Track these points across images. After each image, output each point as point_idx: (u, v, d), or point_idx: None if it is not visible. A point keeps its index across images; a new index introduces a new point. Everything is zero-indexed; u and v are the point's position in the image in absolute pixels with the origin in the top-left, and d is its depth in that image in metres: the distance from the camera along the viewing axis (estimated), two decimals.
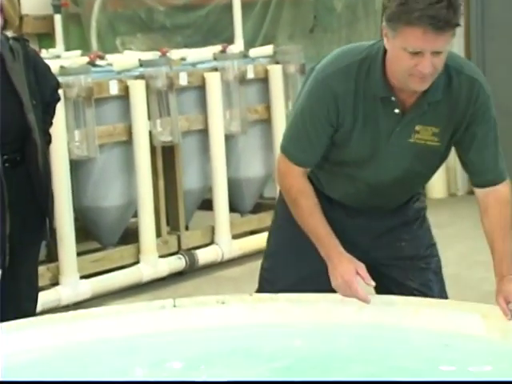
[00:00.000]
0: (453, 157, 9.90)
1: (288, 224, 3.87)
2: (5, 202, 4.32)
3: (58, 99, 4.85)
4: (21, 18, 4.50)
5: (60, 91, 5.00)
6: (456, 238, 8.22)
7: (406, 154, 3.61)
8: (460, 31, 9.67)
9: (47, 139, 4.65)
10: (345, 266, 3.56)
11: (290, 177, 3.68)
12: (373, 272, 3.79)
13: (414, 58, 3.27)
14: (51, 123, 4.71)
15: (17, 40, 4.49)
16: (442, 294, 4.04)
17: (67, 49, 9.50)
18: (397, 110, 3.50)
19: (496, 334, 3.50)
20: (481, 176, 3.64)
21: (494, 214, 3.63)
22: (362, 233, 3.84)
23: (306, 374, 3.38)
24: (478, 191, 3.66)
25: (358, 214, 3.83)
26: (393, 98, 3.49)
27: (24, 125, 4.36)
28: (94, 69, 7.14)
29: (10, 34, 4.44)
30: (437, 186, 9.78)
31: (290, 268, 3.93)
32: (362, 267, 3.59)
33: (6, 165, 4.33)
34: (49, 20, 10.32)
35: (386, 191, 3.74)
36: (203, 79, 7.53)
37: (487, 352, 3.48)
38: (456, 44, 9.75)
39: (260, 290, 4.00)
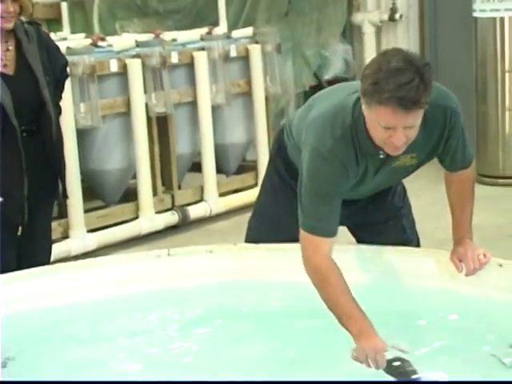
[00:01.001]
0: None
1: (274, 189, 3.87)
2: (23, 166, 4.33)
3: (67, 76, 4.85)
4: (32, 5, 4.46)
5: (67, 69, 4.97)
6: (413, 193, 8.19)
7: (386, 176, 3.52)
8: (415, 16, 9.67)
9: (58, 111, 4.63)
10: (379, 342, 3.07)
11: (318, 255, 3.27)
12: (354, 230, 3.96)
13: (387, 132, 3.10)
14: (61, 97, 4.70)
15: (30, 24, 4.47)
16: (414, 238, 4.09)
17: (73, 32, 9.43)
18: (382, 156, 3.35)
19: (446, 276, 3.55)
20: (451, 166, 3.63)
21: (455, 188, 3.69)
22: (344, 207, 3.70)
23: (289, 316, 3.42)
24: (446, 171, 3.68)
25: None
26: (381, 155, 3.33)
27: (39, 99, 4.36)
28: (96, 49, 7.10)
29: (24, 19, 4.41)
30: None
31: (274, 231, 3.88)
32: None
33: (24, 134, 4.33)
34: (56, 7, 10.25)
35: (367, 194, 3.71)
36: (192, 57, 7.52)
37: (438, 290, 3.52)
38: (412, 28, 9.74)
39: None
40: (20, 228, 4.56)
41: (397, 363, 3.04)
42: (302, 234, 3.32)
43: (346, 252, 3.64)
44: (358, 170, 3.35)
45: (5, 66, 4.28)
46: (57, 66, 4.57)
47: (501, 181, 8.35)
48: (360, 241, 3.97)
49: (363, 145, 3.27)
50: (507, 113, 8.30)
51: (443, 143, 3.47)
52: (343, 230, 3.79)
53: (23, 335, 3.46)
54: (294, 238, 3.40)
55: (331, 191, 3.31)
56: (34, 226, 4.58)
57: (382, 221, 3.93)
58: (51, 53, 4.55)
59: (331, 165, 3.28)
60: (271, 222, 3.89)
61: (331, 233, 3.31)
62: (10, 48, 4.32)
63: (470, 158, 3.66)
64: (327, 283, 3.23)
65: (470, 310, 3.42)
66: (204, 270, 3.79)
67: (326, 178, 3.29)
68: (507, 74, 8.25)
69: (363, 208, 3.84)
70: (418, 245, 4.06)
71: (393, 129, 3.08)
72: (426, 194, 8.15)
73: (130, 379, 3.15)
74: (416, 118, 3.10)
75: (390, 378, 2.94)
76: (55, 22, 10.12)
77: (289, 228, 3.56)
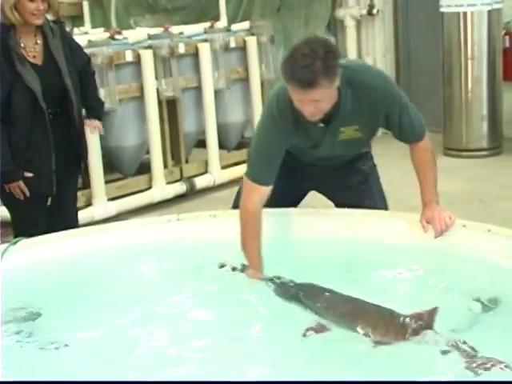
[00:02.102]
0: None
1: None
2: (50, 143, 4.34)
3: (94, 72, 4.82)
4: (58, 3, 4.48)
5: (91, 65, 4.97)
6: (389, 165, 8.21)
7: (337, 146, 3.56)
8: (389, 11, 9.62)
9: (101, 102, 4.78)
10: (255, 274, 3.34)
11: (249, 200, 3.44)
12: (329, 195, 3.96)
13: (299, 103, 3.23)
14: (96, 88, 4.76)
15: (55, 22, 4.47)
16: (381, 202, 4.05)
17: (93, 27, 9.37)
18: (321, 124, 3.42)
19: (417, 235, 3.55)
20: (404, 139, 3.66)
21: (416, 158, 3.68)
22: (317, 171, 3.82)
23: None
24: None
25: (316, 165, 3.79)
26: (319, 124, 3.41)
27: (62, 86, 4.36)
28: (113, 42, 7.07)
29: (50, 17, 4.40)
30: None
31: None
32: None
33: (51, 116, 4.33)
34: (79, 5, 10.20)
35: (332, 160, 3.74)
36: (197, 48, 7.49)
37: (413, 246, 3.52)
38: (387, 22, 9.70)
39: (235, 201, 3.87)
40: (50, 199, 4.56)
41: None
42: (244, 179, 3.51)
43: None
44: (299, 134, 3.45)
45: (34, 57, 4.29)
46: (78, 60, 4.57)
47: (464, 153, 8.36)
48: (336, 205, 3.97)
49: (301, 114, 3.31)
50: (469, 94, 8.31)
51: (382, 119, 3.53)
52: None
53: (57, 285, 3.46)
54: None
55: (269, 149, 3.45)
56: (62, 197, 4.59)
57: (353, 185, 3.92)
58: (73, 48, 4.55)
59: (271, 129, 3.42)
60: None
61: (264, 183, 3.43)
62: (39, 42, 4.32)
63: (419, 132, 3.62)
64: (245, 225, 3.44)
65: (436, 265, 3.42)
66: (208, 232, 3.78)
67: (266, 138, 3.46)
68: (469, 61, 8.24)
69: (336, 170, 3.83)
70: (386, 209, 4.03)
71: (302, 101, 3.20)
72: (399, 166, 8.12)
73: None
74: (317, 95, 3.15)
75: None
76: (78, 19, 10.08)
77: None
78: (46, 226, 4.39)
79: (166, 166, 7.31)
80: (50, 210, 4.59)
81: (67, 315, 3.17)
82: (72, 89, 4.39)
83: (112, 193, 6.92)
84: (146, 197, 7.13)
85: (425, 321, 2.81)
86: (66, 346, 2.93)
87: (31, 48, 4.29)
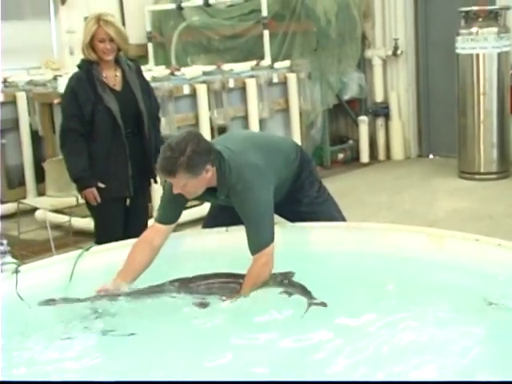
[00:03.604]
0: (407, 131, 9.78)
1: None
2: (127, 154, 4.49)
3: (160, 119, 4.90)
4: (127, 44, 4.60)
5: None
6: (410, 185, 8.19)
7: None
8: (412, 52, 9.57)
9: (159, 122, 4.81)
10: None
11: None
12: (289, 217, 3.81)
13: None
14: (160, 131, 4.81)
15: (131, 60, 4.68)
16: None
17: (156, 65, 9.48)
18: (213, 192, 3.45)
19: (436, 247, 3.50)
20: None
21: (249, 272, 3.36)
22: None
23: None
24: None
25: None
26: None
27: (137, 109, 4.52)
28: (173, 77, 7.14)
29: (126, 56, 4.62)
30: (397, 151, 9.72)
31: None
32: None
33: (129, 135, 4.51)
34: (144, 47, 10.29)
35: None
36: (244, 83, 7.53)
37: (431, 258, 3.48)
38: (410, 61, 9.66)
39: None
40: (128, 200, 4.65)
41: None
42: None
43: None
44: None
45: (114, 85, 4.50)
46: (151, 96, 4.69)
47: (477, 176, 8.30)
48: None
49: None
50: (481, 125, 8.30)
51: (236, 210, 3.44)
52: None
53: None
54: None
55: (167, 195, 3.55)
56: (136, 205, 4.68)
57: (308, 211, 3.82)
58: (145, 81, 4.70)
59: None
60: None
61: (160, 221, 3.61)
62: (118, 74, 4.53)
63: (254, 248, 3.32)
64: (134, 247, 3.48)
65: (452, 276, 3.37)
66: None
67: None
68: (481, 96, 8.26)
69: (287, 202, 3.73)
70: None
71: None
72: (418, 186, 8.10)
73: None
74: (178, 181, 3.25)
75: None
76: (143, 58, 10.19)
77: None
78: (122, 230, 4.50)
79: None
80: (125, 218, 4.65)
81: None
82: (145, 112, 4.53)
83: None
84: (199, 211, 7.12)
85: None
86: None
87: (111, 78, 4.50)
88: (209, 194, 3.48)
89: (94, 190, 4.46)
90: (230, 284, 3.36)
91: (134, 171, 4.52)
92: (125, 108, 4.45)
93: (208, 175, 3.32)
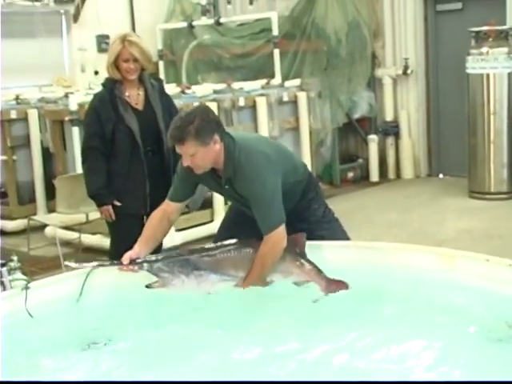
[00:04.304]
0: (417, 150, 9.78)
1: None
2: (145, 172, 4.53)
3: None
4: (151, 63, 4.69)
5: None
6: (420, 204, 8.17)
7: (240, 201, 3.63)
8: (422, 71, 9.59)
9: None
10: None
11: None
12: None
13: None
14: None
15: (155, 79, 4.79)
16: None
17: (167, 83, 9.48)
18: (218, 178, 3.58)
19: (446, 267, 3.49)
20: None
21: (259, 251, 3.48)
22: None
23: None
24: None
25: None
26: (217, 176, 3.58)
27: (157, 128, 4.56)
28: (184, 95, 7.16)
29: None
30: (407, 170, 9.72)
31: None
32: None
33: (149, 153, 4.56)
34: (155, 65, 10.35)
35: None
36: (254, 101, 7.53)
37: (441, 279, 3.45)
38: (420, 81, 9.66)
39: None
40: (145, 218, 4.58)
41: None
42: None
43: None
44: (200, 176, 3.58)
45: (136, 104, 4.57)
46: (171, 111, 4.68)
47: (487, 196, 8.28)
48: None
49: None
50: (492, 144, 8.29)
51: (246, 195, 3.53)
52: None
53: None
54: None
55: (180, 176, 3.73)
56: None
57: (314, 228, 3.84)
58: (168, 101, 4.77)
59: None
60: None
61: (170, 199, 3.79)
62: (140, 93, 4.60)
63: (265, 229, 3.44)
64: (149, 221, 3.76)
65: (462, 296, 3.35)
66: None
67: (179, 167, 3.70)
68: (492, 116, 8.26)
69: (295, 221, 3.72)
70: None
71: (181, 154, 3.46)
72: (428, 206, 8.08)
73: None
74: (187, 149, 3.40)
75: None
76: (154, 76, 10.22)
77: None
78: None
79: (226, 203, 7.31)
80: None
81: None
82: (165, 132, 4.51)
83: (179, 224, 6.93)
84: (208, 229, 7.14)
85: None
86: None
87: (134, 97, 4.57)
88: (214, 181, 3.61)
89: (109, 207, 4.55)
90: (245, 249, 3.52)
91: (152, 189, 4.56)
92: (145, 127, 4.53)
93: (216, 148, 3.44)
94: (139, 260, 3.51)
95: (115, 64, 4.48)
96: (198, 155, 3.41)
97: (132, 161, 4.54)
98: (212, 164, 3.50)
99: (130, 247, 4.08)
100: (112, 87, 4.52)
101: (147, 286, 3.44)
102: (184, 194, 3.73)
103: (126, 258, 3.50)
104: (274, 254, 3.45)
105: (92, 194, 4.61)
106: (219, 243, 3.62)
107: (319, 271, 3.50)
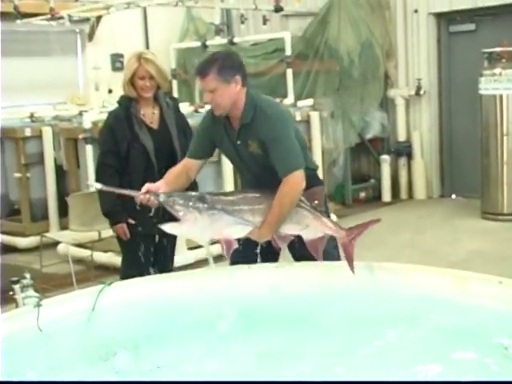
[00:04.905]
0: (430, 170, 9.76)
1: None
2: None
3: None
4: (167, 82, 4.70)
5: None
6: (432, 225, 8.15)
7: (252, 161, 3.73)
8: (435, 92, 9.60)
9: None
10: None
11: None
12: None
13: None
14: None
15: (170, 98, 4.78)
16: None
17: (180, 101, 9.54)
18: (233, 131, 3.72)
19: (459, 288, 3.46)
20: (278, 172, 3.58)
21: (278, 190, 3.54)
22: None
23: None
24: None
25: None
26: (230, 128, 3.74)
27: (171, 147, 4.57)
28: (196, 114, 7.19)
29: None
30: (419, 191, 9.70)
31: None
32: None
33: (162, 171, 4.44)
34: (169, 83, 10.41)
35: (256, 177, 3.79)
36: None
37: (453, 301, 3.43)
38: (433, 101, 9.67)
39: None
40: (157, 237, 4.63)
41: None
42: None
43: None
44: (219, 131, 3.76)
45: (151, 122, 4.58)
46: (187, 133, 4.71)
47: (500, 217, 8.26)
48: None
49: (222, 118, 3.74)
50: (505, 165, 8.27)
51: (263, 140, 3.62)
52: None
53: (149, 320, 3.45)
54: None
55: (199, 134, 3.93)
56: (166, 238, 4.62)
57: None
58: (183, 119, 4.78)
59: (204, 122, 3.86)
60: None
61: (190, 156, 3.95)
62: (155, 112, 4.61)
63: (285, 169, 3.56)
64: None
65: (474, 319, 3.33)
66: (274, 280, 3.72)
67: (201, 125, 3.89)
68: (505, 137, 8.25)
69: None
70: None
71: (204, 91, 3.65)
72: (441, 227, 8.05)
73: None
74: (208, 83, 3.59)
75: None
76: (169, 95, 10.27)
77: None
78: (150, 266, 4.54)
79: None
80: (155, 251, 4.67)
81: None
82: (179, 151, 4.56)
83: (192, 243, 6.94)
84: (218, 248, 7.13)
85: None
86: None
87: (149, 116, 4.58)
88: (227, 137, 3.74)
89: (124, 225, 4.54)
90: (265, 198, 3.57)
91: (165, 208, 4.50)
92: (160, 146, 4.53)
93: (236, 89, 3.62)
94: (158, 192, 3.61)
95: (131, 82, 4.49)
96: (218, 92, 3.58)
97: (146, 179, 4.38)
98: (231, 105, 3.64)
99: (142, 268, 4.08)
100: (127, 105, 4.54)
101: (159, 227, 3.48)
102: (202, 151, 3.88)
103: (145, 188, 3.61)
104: (292, 195, 3.54)
105: (106, 212, 4.60)
106: (239, 190, 3.73)
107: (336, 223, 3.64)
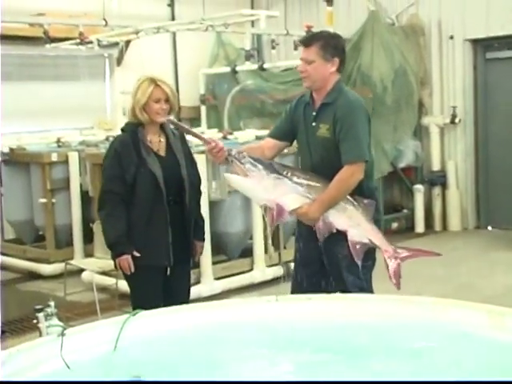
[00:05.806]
0: (465, 201, 9.68)
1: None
2: (167, 220, 4.39)
3: (201, 193, 4.84)
4: (179, 107, 4.66)
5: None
6: (467, 257, 8.07)
7: (316, 145, 4.02)
8: (470, 120, 9.55)
9: (203, 221, 4.75)
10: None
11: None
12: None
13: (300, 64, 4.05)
14: (200, 206, 4.77)
15: (176, 128, 4.58)
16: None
17: (208, 128, 9.62)
18: (314, 113, 4.04)
19: (496, 324, 3.41)
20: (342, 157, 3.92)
21: (336, 175, 3.89)
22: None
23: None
24: None
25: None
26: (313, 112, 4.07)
27: (179, 175, 4.46)
28: (225, 141, 7.20)
29: (172, 126, 4.54)
30: (454, 222, 9.63)
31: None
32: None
33: (171, 202, 4.42)
34: (197, 109, 10.49)
35: (316, 165, 4.06)
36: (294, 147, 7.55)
37: (490, 339, 3.38)
38: (468, 130, 9.63)
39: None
40: (168, 270, 4.50)
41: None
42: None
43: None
44: (299, 111, 4.13)
45: (158, 150, 4.46)
46: (194, 162, 4.66)
47: None
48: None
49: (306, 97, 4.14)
50: None
51: (336, 125, 3.92)
52: None
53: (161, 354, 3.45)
54: None
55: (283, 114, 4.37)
56: (178, 271, 4.53)
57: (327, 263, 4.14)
58: (190, 152, 4.67)
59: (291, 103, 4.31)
60: None
61: (269, 135, 4.43)
62: (162, 140, 4.50)
63: (349, 158, 3.86)
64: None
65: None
66: (303, 313, 3.72)
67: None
68: None
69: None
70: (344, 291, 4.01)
71: (302, 60, 4.00)
72: (476, 259, 7.98)
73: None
74: (308, 53, 3.95)
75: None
76: (196, 120, 10.35)
77: None
78: (161, 300, 4.36)
79: (266, 251, 7.31)
80: (166, 283, 4.52)
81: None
82: (187, 179, 4.48)
83: (218, 273, 6.95)
84: (248, 278, 7.14)
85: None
86: None
87: (156, 143, 4.46)
88: (305, 119, 4.05)
89: (129, 257, 4.34)
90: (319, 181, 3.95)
91: (175, 239, 4.41)
92: (168, 174, 4.40)
93: (331, 69, 3.96)
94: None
95: (143, 106, 4.38)
96: (314, 65, 3.92)
97: (154, 208, 4.36)
98: (320, 82, 3.96)
99: (152, 301, 4.02)
100: (134, 130, 4.41)
101: (225, 176, 3.99)
102: (281, 132, 4.23)
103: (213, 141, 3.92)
104: (350, 183, 3.85)
105: (111, 243, 4.38)
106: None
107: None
